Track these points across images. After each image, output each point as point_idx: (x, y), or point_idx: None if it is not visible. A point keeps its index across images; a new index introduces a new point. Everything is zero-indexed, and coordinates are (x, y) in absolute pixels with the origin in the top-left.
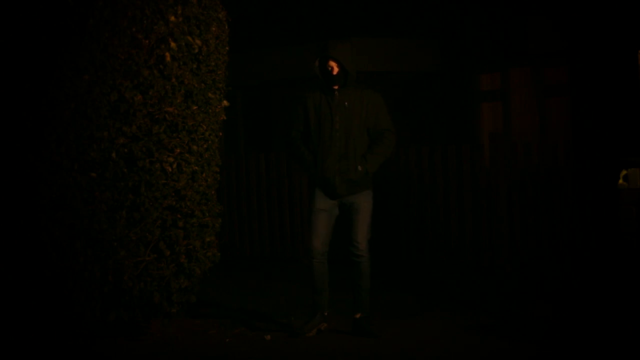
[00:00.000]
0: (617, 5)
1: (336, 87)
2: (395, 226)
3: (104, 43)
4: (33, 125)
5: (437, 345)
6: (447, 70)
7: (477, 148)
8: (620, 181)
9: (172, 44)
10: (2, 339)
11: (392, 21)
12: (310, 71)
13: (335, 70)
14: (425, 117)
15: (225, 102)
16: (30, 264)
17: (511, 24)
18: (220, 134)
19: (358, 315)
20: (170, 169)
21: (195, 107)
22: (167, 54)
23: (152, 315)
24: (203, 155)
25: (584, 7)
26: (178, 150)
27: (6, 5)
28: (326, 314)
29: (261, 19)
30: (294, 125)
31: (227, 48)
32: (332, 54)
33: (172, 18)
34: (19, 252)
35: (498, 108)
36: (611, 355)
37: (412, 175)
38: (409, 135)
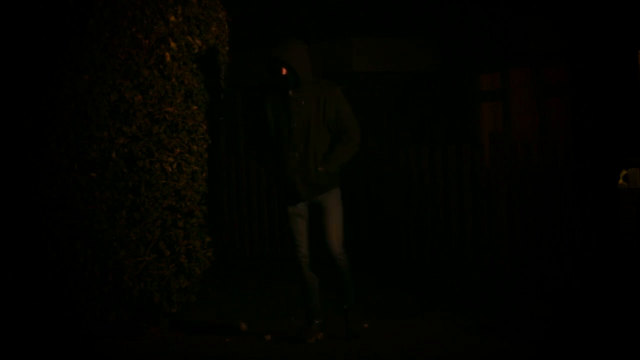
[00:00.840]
0: (617, 5)
1: (290, 88)
2: (395, 226)
3: (104, 43)
4: (33, 125)
5: (437, 345)
6: (447, 70)
7: (477, 148)
8: (620, 181)
9: (172, 44)
10: (2, 339)
11: (392, 21)
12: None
13: (284, 71)
14: (425, 117)
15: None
16: (30, 264)
17: (511, 24)
18: None
19: (345, 307)
20: (170, 169)
21: (195, 107)
22: (167, 54)
23: (152, 315)
24: (203, 155)
25: (584, 7)
26: (178, 150)
27: (6, 5)
28: (318, 321)
29: (261, 19)
30: (256, 128)
31: (227, 48)
32: (276, 56)
33: (172, 18)
34: (19, 252)
35: (498, 108)
36: (611, 355)
37: (412, 175)
38: (409, 135)
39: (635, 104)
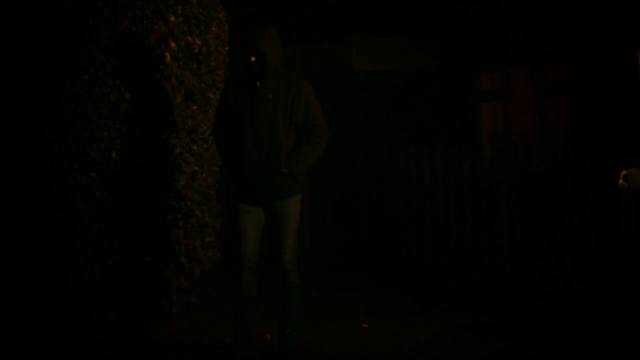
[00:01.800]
0: (617, 5)
1: (258, 78)
2: (395, 226)
3: (104, 43)
4: (33, 125)
5: (437, 345)
6: (447, 70)
7: (477, 148)
8: (620, 181)
9: (172, 44)
10: (2, 339)
11: (392, 21)
12: (312, 70)
13: (252, 58)
14: (425, 117)
15: None
16: (31, 264)
17: (511, 24)
18: None
19: (288, 331)
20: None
21: (195, 107)
22: (167, 54)
23: (152, 315)
24: (203, 155)
25: (584, 7)
26: (178, 150)
27: (6, 5)
28: (246, 339)
29: (261, 19)
30: (218, 120)
31: (227, 48)
32: (247, 39)
33: (172, 18)
34: (19, 252)
35: (498, 108)
36: (611, 355)
37: (412, 175)
38: (409, 135)
39: (635, 104)
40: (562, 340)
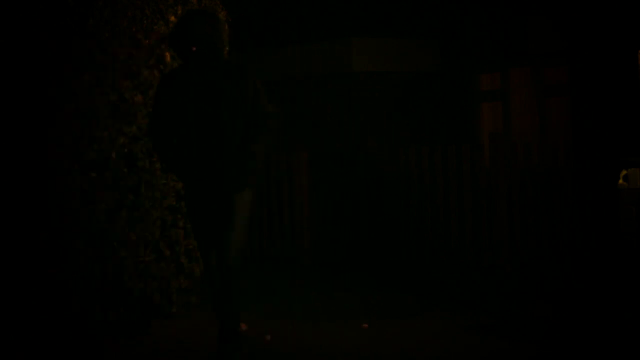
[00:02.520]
0: (617, 5)
1: (200, 68)
2: (395, 226)
3: (104, 43)
4: (33, 125)
5: (437, 345)
6: (447, 70)
7: (477, 148)
8: (620, 181)
9: None
10: (2, 339)
11: (392, 21)
12: (312, 70)
13: (193, 47)
14: (425, 117)
15: None
16: (31, 263)
17: (511, 24)
18: None
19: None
20: None
21: None
22: (167, 54)
23: (152, 315)
24: None
25: (584, 7)
26: None
27: (6, 5)
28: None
29: (261, 19)
30: (156, 118)
31: (227, 48)
32: (186, 28)
33: (172, 18)
34: (19, 252)
35: (498, 108)
36: (611, 355)
37: (412, 175)
38: (409, 135)
39: (635, 104)
40: (562, 340)
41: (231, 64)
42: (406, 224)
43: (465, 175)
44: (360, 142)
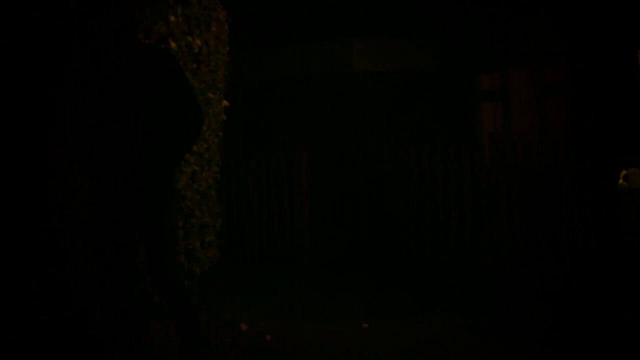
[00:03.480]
0: (617, 5)
1: (115, 57)
2: (395, 226)
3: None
4: (33, 125)
5: (437, 345)
6: (447, 70)
7: (477, 148)
8: (620, 181)
9: (172, 44)
10: (2, 339)
11: (392, 21)
12: (312, 70)
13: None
14: (425, 117)
15: (225, 102)
16: (31, 264)
17: (511, 24)
18: (221, 133)
19: None
20: None
21: None
22: None
23: (152, 315)
24: (203, 155)
25: (584, 7)
26: None
27: (6, 5)
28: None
29: (261, 19)
30: (69, 117)
31: (227, 48)
32: (99, 12)
33: (172, 18)
34: (19, 252)
35: (498, 108)
36: (611, 355)
37: (412, 175)
38: (409, 135)
39: (635, 104)
40: (562, 340)
41: (149, 49)
42: (406, 224)
43: (465, 175)
44: (360, 142)
